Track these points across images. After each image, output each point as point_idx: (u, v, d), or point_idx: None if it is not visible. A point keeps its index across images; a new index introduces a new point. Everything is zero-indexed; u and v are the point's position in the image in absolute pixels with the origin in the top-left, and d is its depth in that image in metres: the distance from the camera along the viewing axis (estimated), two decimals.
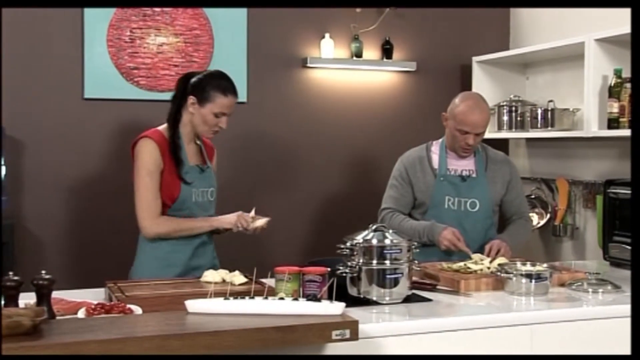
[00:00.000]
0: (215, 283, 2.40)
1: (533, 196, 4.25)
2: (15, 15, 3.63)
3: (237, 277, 2.43)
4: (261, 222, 2.83)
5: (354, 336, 1.90)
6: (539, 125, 3.95)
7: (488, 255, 2.94)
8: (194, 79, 2.84)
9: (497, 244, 3.01)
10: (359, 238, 2.42)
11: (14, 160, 3.64)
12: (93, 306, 2.06)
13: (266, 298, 1.98)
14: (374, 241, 2.40)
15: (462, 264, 2.80)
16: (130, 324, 1.88)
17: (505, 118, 4.24)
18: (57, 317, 2.00)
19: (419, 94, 4.37)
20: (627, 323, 2.33)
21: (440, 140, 3.23)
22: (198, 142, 2.95)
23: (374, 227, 2.46)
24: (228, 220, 2.82)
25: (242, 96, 4.03)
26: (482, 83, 4.37)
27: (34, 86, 3.69)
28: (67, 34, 3.73)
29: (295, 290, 2.13)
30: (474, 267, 2.76)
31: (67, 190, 3.74)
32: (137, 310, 2.08)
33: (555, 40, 3.84)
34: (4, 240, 3.31)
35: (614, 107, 3.34)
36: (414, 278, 2.76)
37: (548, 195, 4.23)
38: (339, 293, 2.37)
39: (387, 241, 2.40)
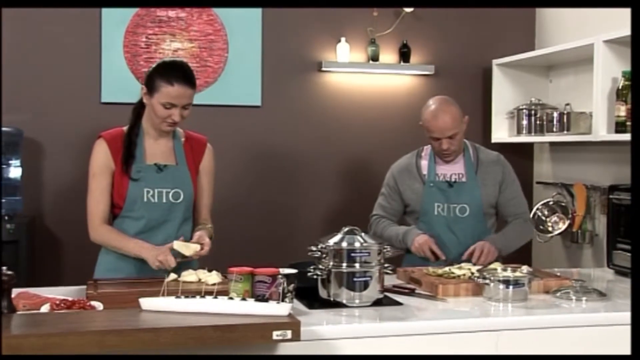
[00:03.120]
0: (191, 282, 2.45)
1: (552, 202, 4.16)
2: (35, 22, 3.80)
3: (212, 277, 2.48)
4: (194, 248, 2.61)
5: (296, 337, 1.91)
6: (554, 129, 3.86)
7: (472, 260, 2.89)
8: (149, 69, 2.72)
9: (480, 246, 2.93)
10: (330, 241, 2.44)
11: (34, 161, 3.80)
12: (57, 302, 2.14)
13: (216, 297, 2.02)
14: (344, 244, 2.41)
15: (447, 268, 2.78)
16: (77, 320, 1.95)
17: (525, 122, 4.16)
18: (22, 312, 2.09)
19: None
20: (602, 331, 2.31)
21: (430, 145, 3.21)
22: (175, 140, 2.80)
23: (346, 229, 2.47)
24: (149, 254, 2.60)
25: (257, 100, 4.10)
26: (503, 86, 4.31)
27: (53, 90, 3.85)
28: (85, 40, 3.87)
29: (247, 291, 2.16)
30: (457, 272, 2.74)
31: (84, 190, 3.84)
32: (99, 306, 2.15)
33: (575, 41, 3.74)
34: (17, 238, 3.46)
35: (622, 111, 3.24)
36: (400, 282, 2.80)
37: (569, 200, 4.12)
38: (312, 295, 2.43)
39: (357, 244, 2.41)
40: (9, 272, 2.04)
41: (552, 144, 4.34)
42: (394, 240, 3.10)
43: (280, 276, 2.17)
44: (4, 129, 3.58)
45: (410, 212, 3.19)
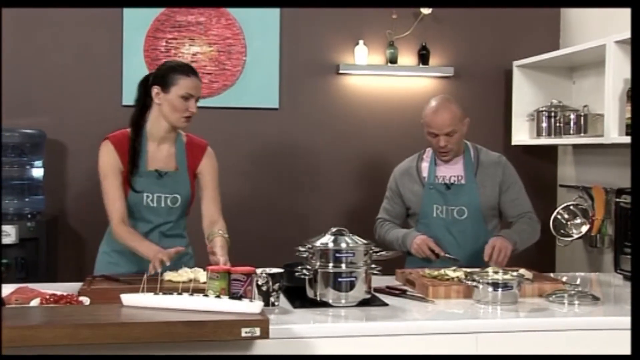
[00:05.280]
0: (183, 283, 2.50)
1: (572, 205, 4.08)
2: (58, 27, 3.96)
3: (204, 276, 2.53)
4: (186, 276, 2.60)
5: (264, 334, 1.96)
6: (571, 132, 3.81)
7: (489, 260, 2.87)
8: (154, 73, 2.85)
9: (499, 245, 2.89)
10: (318, 242, 2.47)
11: (57, 161, 3.95)
12: (47, 297, 2.24)
13: (192, 294, 2.08)
14: (330, 245, 2.44)
15: (442, 270, 2.78)
16: (55, 314, 2.03)
17: (544, 124, 4.10)
18: (12, 306, 2.19)
19: (456, 100, 4.28)
20: (588, 335, 2.29)
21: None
22: (177, 143, 2.89)
23: (334, 230, 2.51)
24: (150, 257, 2.61)
25: (275, 103, 4.16)
26: (524, 88, 4.26)
27: (77, 93, 3.99)
28: (107, 45, 4.00)
29: (223, 289, 2.21)
30: (451, 274, 2.73)
31: None
32: (86, 301, 2.24)
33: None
34: (37, 236, 3.60)
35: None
36: (397, 283, 2.81)
37: (590, 204, 4.05)
38: (301, 295, 2.47)
39: (343, 245, 2.44)
40: None
41: (575, 146, 4.28)
42: (395, 244, 3.14)
43: (265, 275, 2.22)
44: (27, 131, 3.74)
45: (412, 215, 3.21)
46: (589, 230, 3.96)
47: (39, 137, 3.76)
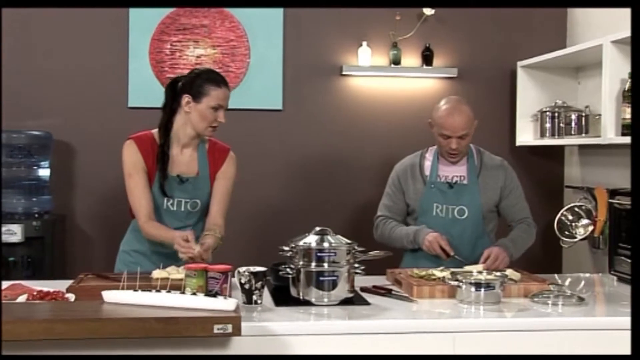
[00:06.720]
0: (163, 279, 2.52)
1: (576, 207, 4.06)
2: (65, 30, 4.05)
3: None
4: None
5: (236, 331, 1.99)
6: (572, 132, 3.79)
7: (484, 265, 2.88)
8: (183, 80, 2.86)
9: (495, 253, 2.93)
10: (301, 241, 2.51)
11: (64, 162, 4.04)
12: (35, 293, 2.30)
13: (169, 292, 2.13)
14: (313, 244, 2.48)
15: (429, 270, 2.80)
16: (36, 309, 2.09)
17: (548, 125, 4.09)
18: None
19: None
20: (565, 336, 2.29)
21: (435, 146, 3.22)
22: (199, 147, 2.92)
23: (317, 229, 2.54)
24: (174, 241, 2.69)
25: (278, 104, 4.20)
26: (528, 89, 4.24)
27: (84, 96, 4.08)
28: (113, 48, 4.08)
29: (201, 286, 2.25)
30: (438, 274, 2.75)
31: (111, 190, 4.06)
32: (71, 298, 2.30)
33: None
34: (43, 235, 3.69)
35: (627, 113, 3.16)
36: (387, 283, 2.83)
37: (594, 205, 4.02)
38: (285, 294, 2.50)
39: (326, 244, 2.47)
40: None
41: (580, 147, 4.25)
42: (404, 241, 3.13)
43: (247, 273, 2.26)
44: (34, 132, 3.84)
45: (411, 212, 3.21)
46: (592, 231, 3.94)
47: (46, 138, 3.85)
